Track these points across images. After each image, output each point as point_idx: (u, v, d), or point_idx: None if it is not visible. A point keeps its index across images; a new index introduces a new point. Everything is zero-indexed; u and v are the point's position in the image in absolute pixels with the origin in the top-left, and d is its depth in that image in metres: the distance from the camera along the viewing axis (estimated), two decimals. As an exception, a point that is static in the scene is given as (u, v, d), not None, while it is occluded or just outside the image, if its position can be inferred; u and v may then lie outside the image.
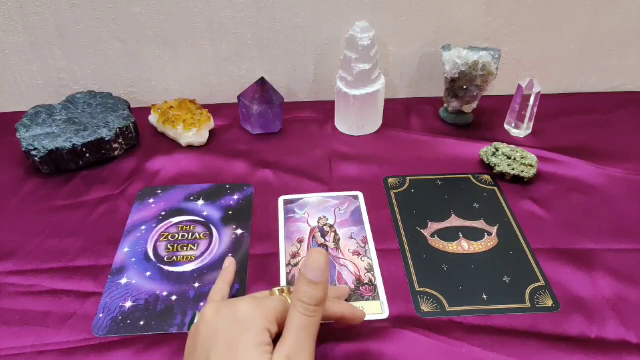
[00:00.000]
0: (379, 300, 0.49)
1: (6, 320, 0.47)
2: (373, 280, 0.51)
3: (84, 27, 0.71)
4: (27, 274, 0.52)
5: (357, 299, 0.49)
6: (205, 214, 0.59)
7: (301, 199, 0.61)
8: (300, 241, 0.56)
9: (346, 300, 0.48)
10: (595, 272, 0.51)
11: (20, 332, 0.46)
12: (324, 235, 0.57)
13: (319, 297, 0.37)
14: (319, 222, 0.58)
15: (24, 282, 0.51)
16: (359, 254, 0.54)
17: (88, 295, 0.50)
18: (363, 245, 0.55)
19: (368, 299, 0.49)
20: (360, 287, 0.51)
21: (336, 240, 0.56)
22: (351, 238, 0.56)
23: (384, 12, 0.72)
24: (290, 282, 0.51)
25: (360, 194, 0.62)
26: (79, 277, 0.52)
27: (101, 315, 0.48)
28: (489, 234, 0.56)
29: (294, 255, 0.54)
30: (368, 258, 0.54)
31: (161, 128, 0.72)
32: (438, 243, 0.55)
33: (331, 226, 0.58)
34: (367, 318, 0.47)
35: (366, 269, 0.53)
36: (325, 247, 0.55)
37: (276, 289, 0.42)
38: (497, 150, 0.64)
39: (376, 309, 0.49)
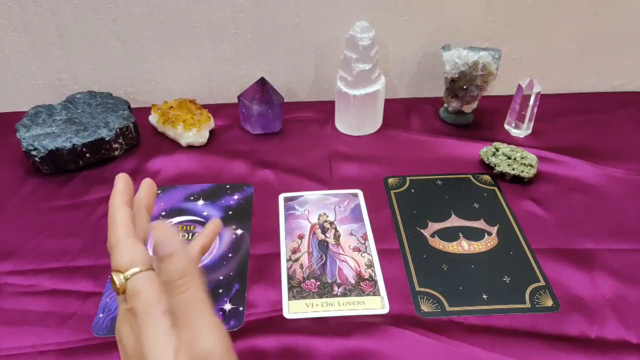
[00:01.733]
0: (379, 295, 0.50)
1: (6, 320, 0.47)
2: (373, 275, 0.52)
3: (84, 27, 0.71)
4: (27, 274, 0.52)
5: (357, 294, 0.50)
6: (205, 214, 0.59)
7: (301, 196, 0.61)
8: (301, 237, 0.56)
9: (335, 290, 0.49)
10: (595, 272, 0.51)
11: (20, 332, 0.46)
12: (324, 231, 0.57)
13: (183, 268, 0.32)
14: (319, 219, 0.58)
15: (24, 282, 0.51)
16: (359, 250, 0.54)
17: (88, 295, 0.50)
18: (363, 241, 0.55)
19: (368, 294, 0.50)
20: (361, 283, 0.51)
21: (336, 237, 0.56)
22: (351, 234, 0.56)
23: (384, 12, 0.72)
24: (291, 277, 0.51)
25: (359, 192, 0.62)
26: (78, 277, 0.52)
27: (101, 315, 0.48)
28: (489, 234, 0.56)
29: (294, 251, 0.54)
30: (368, 254, 0.54)
31: (161, 128, 0.72)
32: (438, 243, 0.55)
33: (331, 223, 0.58)
34: (368, 313, 0.48)
35: (366, 264, 0.53)
36: (326, 242, 0.55)
37: (117, 278, 0.34)
38: (497, 150, 0.64)
39: (376, 304, 0.49)
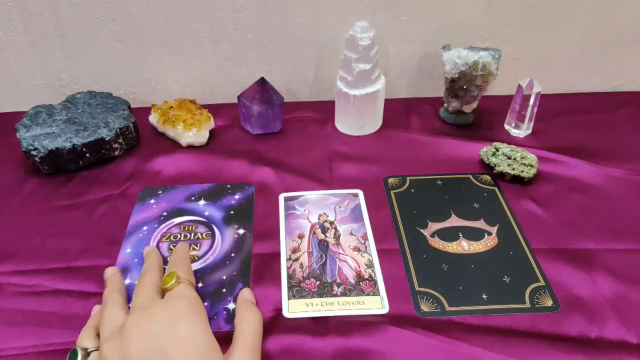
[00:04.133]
0: (379, 295, 0.50)
1: (8, 320, 0.47)
2: (373, 275, 0.52)
3: (84, 27, 0.71)
4: (28, 274, 0.52)
5: (357, 294, 0.50)
6: (206, 214, 0.59)
7: (301, 196, 0.61)
8: (301, 237, 0.56)
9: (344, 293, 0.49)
10: (595, 272, 0.51)
11: (22, 332, 0.46)
12: (324, 231, 0.57)
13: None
14: (319, 219, 0.58)
15: (25, 282, 0.51)
16: (359, 250, 0.54)
17: (90, 295, 0.50)
18: (363, 241, 0.56)
19: (368, 294, 0.50)
20: (361, 282, 0.51)
21: (336, 236, 0.56)
22: (351, 234, 0.56)
23: (384, 12, 0.73)
24: (290, 276, 0.51)
25: (360, 192, 0.62)
26: (81, 277, 0.52)
27: (102, 315, 0.48)
28: (489, 233, 0.56)
29: (294, 251, 0.54)
30: (368, 254, 0.54)
31: (161, 128, 0.72)
32: (438, 243, 0.55)
33: (331, 222, 0.58)
34: (367, 313, 0.48)
35: (366, 264, 0.53)
36: (326, 242, 0.55)
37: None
38: (497, 150, 0.64)
39: (376, 304, 0.49)
